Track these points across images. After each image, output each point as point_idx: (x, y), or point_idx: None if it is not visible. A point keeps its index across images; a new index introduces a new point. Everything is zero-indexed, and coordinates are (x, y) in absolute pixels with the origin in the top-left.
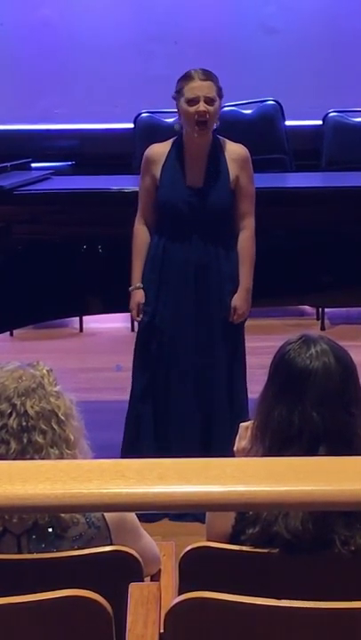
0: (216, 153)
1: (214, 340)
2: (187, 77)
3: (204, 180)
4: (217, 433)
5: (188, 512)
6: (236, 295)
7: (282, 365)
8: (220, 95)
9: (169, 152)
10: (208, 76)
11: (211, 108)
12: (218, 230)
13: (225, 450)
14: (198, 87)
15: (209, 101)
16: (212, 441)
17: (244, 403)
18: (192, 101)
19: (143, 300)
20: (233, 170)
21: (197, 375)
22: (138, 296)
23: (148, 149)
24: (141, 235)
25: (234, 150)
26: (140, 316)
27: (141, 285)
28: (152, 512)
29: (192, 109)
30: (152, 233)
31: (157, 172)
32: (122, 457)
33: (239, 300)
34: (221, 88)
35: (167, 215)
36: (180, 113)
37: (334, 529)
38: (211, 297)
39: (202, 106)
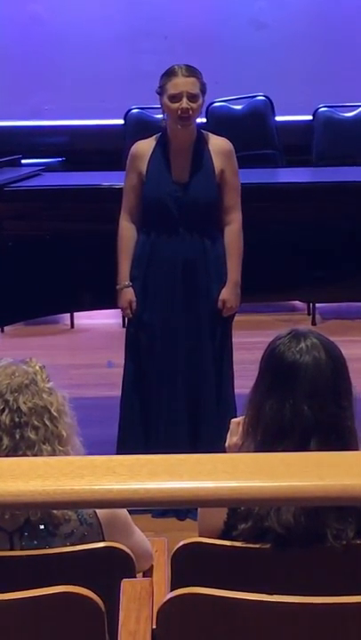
0: (200, 147)
1: (202, 336)
2: (170, 73)
3: (189, 174)
4: (205, 427)
5: (170, 509)
6: (224, 289)
7: (272, 360)
8: (203, 91)
9: (154, 148)
10: (192, 72)
11: (194, 105)
12: (205, 224)
13: (213, 444)
14: (182, 83)
15: (192, 98)
16: (199, 435)
17: (231, 398)
18: (175, 98)
19: (134, 298)
20: (218, 163)
21: (186, 371)
22: (128, 294)
23: (133, 146)
24: (128, 232)
25: (218, 144)
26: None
27: (130, 283)
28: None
29: (175, 106)
30: (138, 230)
31: (143, 168)
32: (117, 453)
33: (227, 293)
34: (205, 84)
35: (154, 211)
36: (164, 109)
37: (326, 523)
38: (198, 292)
39: (184, 103)
